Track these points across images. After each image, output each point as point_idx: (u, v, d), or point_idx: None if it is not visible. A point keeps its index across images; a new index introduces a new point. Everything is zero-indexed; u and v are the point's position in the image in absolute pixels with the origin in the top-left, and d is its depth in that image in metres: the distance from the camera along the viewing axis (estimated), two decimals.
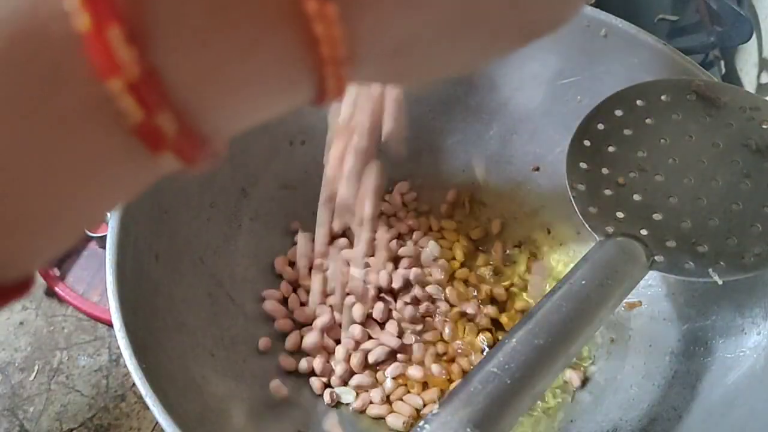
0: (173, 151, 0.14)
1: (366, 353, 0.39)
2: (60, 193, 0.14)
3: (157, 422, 0.36)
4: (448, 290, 0.41)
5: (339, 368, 0.38)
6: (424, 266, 0.42)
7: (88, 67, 0.12)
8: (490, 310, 0.41)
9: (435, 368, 0.39)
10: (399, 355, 0.39)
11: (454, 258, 0.43)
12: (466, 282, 0.42)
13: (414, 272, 0.41)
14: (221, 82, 0.14)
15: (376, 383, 0.38)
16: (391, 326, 0.39)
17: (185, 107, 0.13)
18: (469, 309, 0.40)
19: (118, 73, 0.12)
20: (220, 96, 0.14)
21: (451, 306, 0.41)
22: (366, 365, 0.39)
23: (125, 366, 0.33)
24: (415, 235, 0.43)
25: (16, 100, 0.13)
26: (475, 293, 0.41)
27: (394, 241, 0.43)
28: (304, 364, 0.38)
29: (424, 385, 0.39)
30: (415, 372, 0.38)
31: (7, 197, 0.13)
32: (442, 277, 0.42)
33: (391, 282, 0.40)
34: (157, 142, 0.13)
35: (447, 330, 0.40)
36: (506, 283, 0.42)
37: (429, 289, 0.41)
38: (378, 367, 0.39)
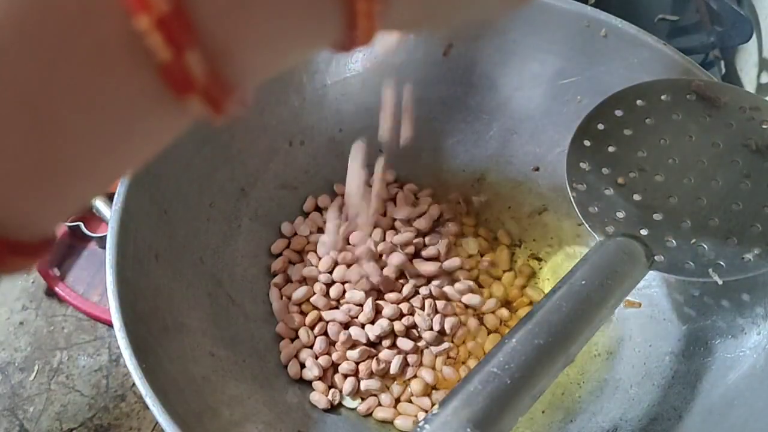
0: (201, 95, 0.13)
1: (376, 361, 0.38)
2: (88, 136, 0.13)
3: (157, 422, 0.36)
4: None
5: (347, 385, 0.37)
6: (448, 268, 0.41)
7: (118, 2, 0.12)
8: (504, 313, 0.41)
9: (447, 370, 0.38)
10: (410, 357, 0.39)
11: (469, 256, 0.43)
12: (476, 281, 0.42)
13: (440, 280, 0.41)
14: (252, 20, 0.13)
15: (385, 388, 0.38)
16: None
17: (214, 47, 0.13)
18: (485, 308, 0.40)
19: (147, 9, 0.12)
20: (250, 36, 0.14)
21: (466, 307, 0.41)
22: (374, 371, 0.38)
23: (125, 366, 0.33)
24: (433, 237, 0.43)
25: (47, 37, 0.12)
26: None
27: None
28: (308, 373, 0.38)
29: (433, 387, 0.38)
30: (427, 375, 0.38)
31: (36, 141, 0.13)
32: (470, 273, 0.42)
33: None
34: (185, 84, 0.13)
35: (459, 332, 0.40)
36: (518, 282, 0.42)
37: (447, 289, 0.40)
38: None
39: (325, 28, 0.15)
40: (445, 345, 0.39)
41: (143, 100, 0.13)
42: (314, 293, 0.40)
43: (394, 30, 0.17)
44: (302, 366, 0.38)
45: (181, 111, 0.14)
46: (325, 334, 0.39)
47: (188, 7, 0.12)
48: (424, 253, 0.42)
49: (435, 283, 0.40)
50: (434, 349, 0.39)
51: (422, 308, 0.40)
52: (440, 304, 0.40)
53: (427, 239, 0.42)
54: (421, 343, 0.39)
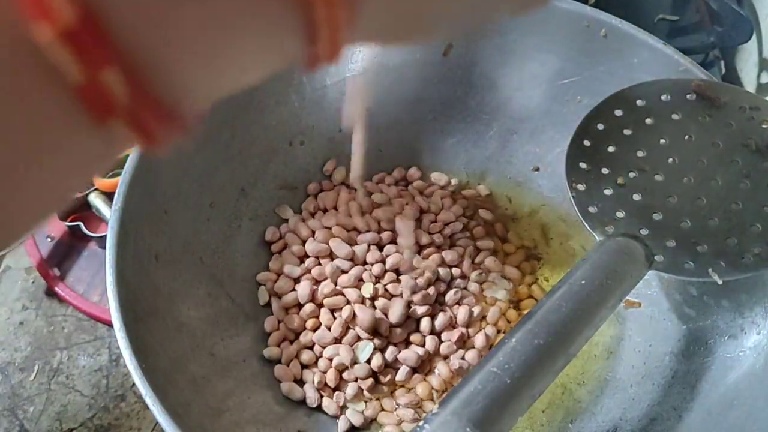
0: (126, 119, 0.11)
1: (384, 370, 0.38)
2: None
3: (157, 422, 0.36)
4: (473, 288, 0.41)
5: (350, 390, 0.37)
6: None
7: (16, 8, 0.10)
8: (512, 313, 0.41)
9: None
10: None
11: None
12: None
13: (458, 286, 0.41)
14: (184, 33, 0.11)
15: (389, 393, 0.38)
16: (417, 337, 0.38)
17: (138, 64, 0.11)
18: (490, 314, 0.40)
19: (48, 17, 0.10)
20: (183, 52, 0.11)
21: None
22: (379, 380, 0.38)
23: (125, 366, 0.33)
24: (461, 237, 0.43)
25: None
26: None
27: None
28: (309, 375, 0.38)
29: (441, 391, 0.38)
30: (434, 380, 0.38)
31: None
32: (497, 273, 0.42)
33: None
34: (105, 107, 0.11)
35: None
36: (526, 281, 0.42)
37: (471, 287, 0.40)
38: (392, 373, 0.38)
39: (279, 42, 0.12)
40: (460, 353, 0.39)
41: (57, 124, 0.11)
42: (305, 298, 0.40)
43: (368, 42, 0.14)
44: (303, 367, 0.38)
45: (105, 137, 0.12)
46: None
47: (101, 15, 0.10)
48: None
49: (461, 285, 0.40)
50: (454, 358, 0.38)
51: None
52: (464, 312, 0.39)
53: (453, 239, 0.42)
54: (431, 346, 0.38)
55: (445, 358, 0.38)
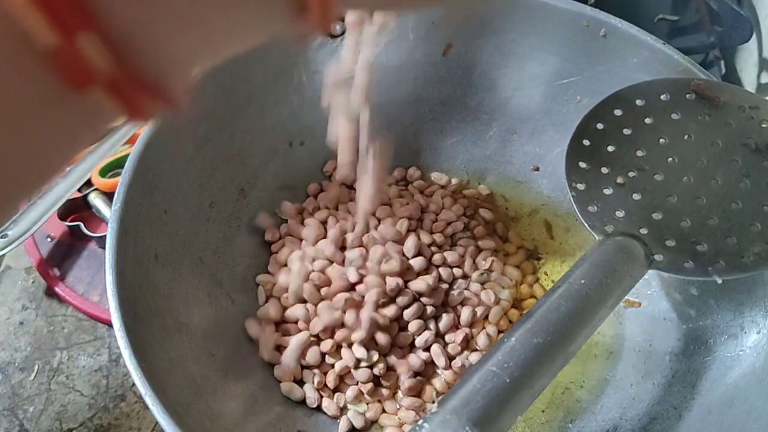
0: (107, 89, 0.11)
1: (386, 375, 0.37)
2: None
3: (157, 422, 0.36)
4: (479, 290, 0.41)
5: (350, 392, 0.37)
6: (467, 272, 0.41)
7: None
8: (514, 313, 0.40)
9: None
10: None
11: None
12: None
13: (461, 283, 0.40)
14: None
15: (391, 396, 0.38)
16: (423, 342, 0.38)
17: (119, 30, 0.10)
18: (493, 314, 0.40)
19: None
20: (168, 19, 0.11)
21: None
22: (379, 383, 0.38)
23: (125, 366, 0.33)
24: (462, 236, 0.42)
25: None
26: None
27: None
28: (310, 375, 0.38)
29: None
30: (437, 382, 0.38)
31: None
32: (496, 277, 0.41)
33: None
34: (81, 75, 0.10)
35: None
36: (527, 281, 0.42)
37: (472, 288, 0.40)
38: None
39: (269, 11, 0.12)
40: (465, 354, 0.38)
41: (36, 95, 0.11)
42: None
43: (358, 9, 0.14)
44: (303, 367, 0.38)
45: (86, 107, 0.11)
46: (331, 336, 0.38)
47: None
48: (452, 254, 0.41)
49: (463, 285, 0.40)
50: (459, 359, 0.38)
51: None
52: (467, 312, 0.39)
53: (453, 238, 0.42)
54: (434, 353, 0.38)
55: (450, 359, 0.38)
